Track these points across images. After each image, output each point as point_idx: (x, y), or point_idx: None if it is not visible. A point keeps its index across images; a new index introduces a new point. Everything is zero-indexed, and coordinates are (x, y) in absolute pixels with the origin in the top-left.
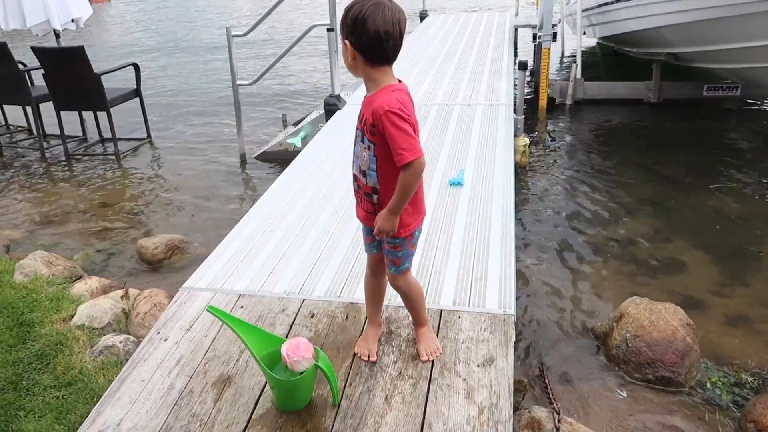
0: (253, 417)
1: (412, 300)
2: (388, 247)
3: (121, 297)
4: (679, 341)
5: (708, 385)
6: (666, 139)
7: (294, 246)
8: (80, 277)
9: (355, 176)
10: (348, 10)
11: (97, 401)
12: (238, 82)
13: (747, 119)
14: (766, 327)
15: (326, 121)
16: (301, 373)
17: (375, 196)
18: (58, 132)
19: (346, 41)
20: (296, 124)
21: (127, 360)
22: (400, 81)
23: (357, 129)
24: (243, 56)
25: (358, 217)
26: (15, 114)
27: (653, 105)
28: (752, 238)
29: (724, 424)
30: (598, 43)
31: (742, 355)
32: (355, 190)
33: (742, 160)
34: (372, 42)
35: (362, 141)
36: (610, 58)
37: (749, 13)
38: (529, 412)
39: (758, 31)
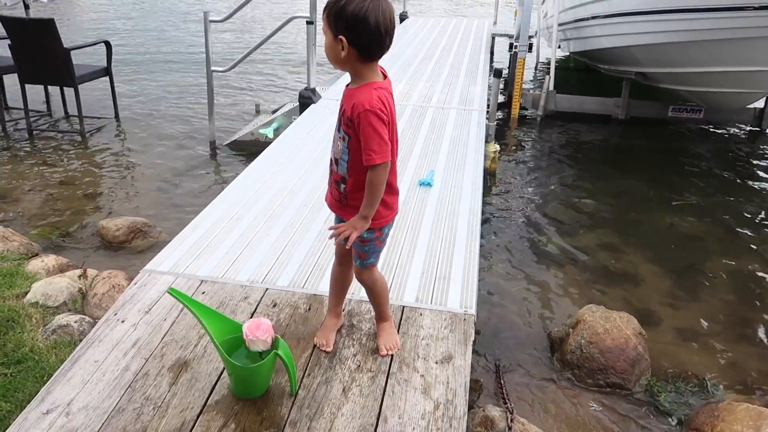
0: (209, 402)
1: (376, 295)
2: (357, 240)
3: (79, 276)
4: (631, 349)
5: (655, 393)
6: (631, 156)
7: (260, 235)
8: (36, 255)
9: (330, 161)
10: (342, 5)
11: (48, 380)
12: (213, 68)
13: (709, 142)
14: (713, 340)
15: (300, 113)
16: (260, 354)
17: (342, 186)
18: (21, 105)
19: (342, 37)
20: (269, 114)
21: (81, 340)
22: (385, 76)
23: (337, 117)
24: (220, 41)
25: (326, 200)
26: None
27: (621, 121)
28: (705, 256)
29: (669, 431)
30: (571, 57)
31: (690, 366)
32: (329, 175)
33: (701, 180)
34: (372, 40)
35: (339, 131)
36: (582, 72)
37: (713, 39)
38: (483, 410)
39: (721, 57)
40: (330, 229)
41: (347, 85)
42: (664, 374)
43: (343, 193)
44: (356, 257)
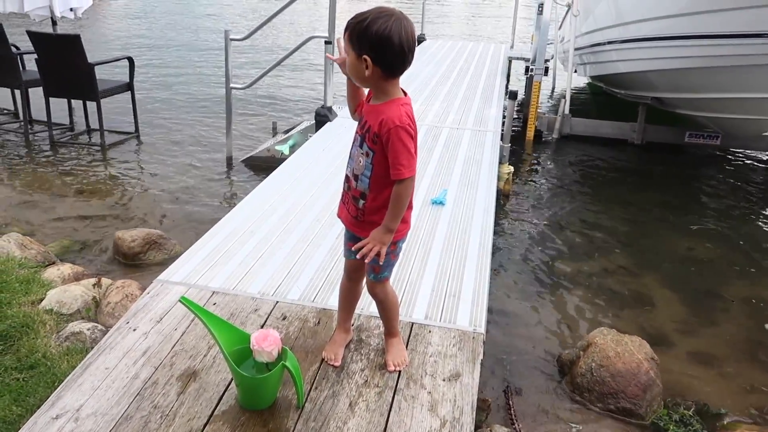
0: (216, 413)
1: (387, 309)
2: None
3: (93, 285)
4: (643, 374)
5: (667, 419)
6: (646, 180)
7: (272, 249)
8: (53, 263)
9: (347, 177)
10: (366, 25)
11: (59, 386)
12: (232, 85)
13: (726, 168)
14: (728, 367)
15: (316, 131)
16: (267, 365)
17: (361, 202)
18: (44, 118)
19: (366, 57)
20: (286, 132)
21: (93, 348)
22: (405, 92)
23: (357, 133)
24: (240, 60)
25: (339, 216)
26: (2, 97)
27: (636, 146)
28: (721, 282)
29: None
30: (588, 82)
31: (703, 392)
32: (344, 191)
33: (717, 206)
34: (396, 58)
35: (360, 146)
36: (599, 96)
37: (731, 65)
38: (491, 430)
39: (739, 83)
40: (354, 248)
41: (368, 102)
42: (677, 400)
43: (362, 209)
44: (370, 271)
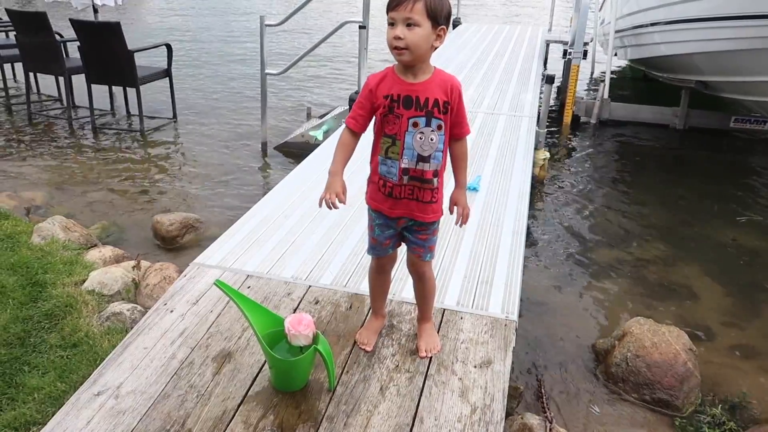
0: (249, 393)
1: (428, 290)
2: (426, 237)
3: (133, 267)
4: (680, 365)
5: (705, 412)
6: (688, 167)
7: (305, 234)
8: (95, 245)
9: (406, 170)
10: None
11: (100, 364)
12: (267, 71)
13: None
14: None
15: None
16: (301, 349)
17: (435, 180)
18: (87, 104)
19: (444, 27)
20: (320, 117)
21: (132, 328)
22: None
23: (412, 117)
24: (275, 45)
25: (401, 214)
26: (47, 84)
27: (678, 131)
28: (766, 275)
29: None
30: (629, 65)
31: (743, 386)
32: (401, 186)
33: (764, 195)
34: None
35: (428, 125)
36: (639, 81)
37: None
38: (522, 418)
39: None
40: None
41: (410, 82)
42: (716, 393)
43: (436, 187)
44: (426, 253)
